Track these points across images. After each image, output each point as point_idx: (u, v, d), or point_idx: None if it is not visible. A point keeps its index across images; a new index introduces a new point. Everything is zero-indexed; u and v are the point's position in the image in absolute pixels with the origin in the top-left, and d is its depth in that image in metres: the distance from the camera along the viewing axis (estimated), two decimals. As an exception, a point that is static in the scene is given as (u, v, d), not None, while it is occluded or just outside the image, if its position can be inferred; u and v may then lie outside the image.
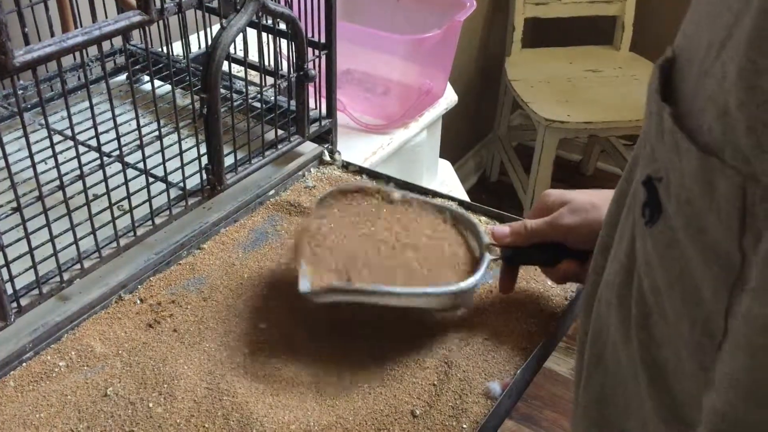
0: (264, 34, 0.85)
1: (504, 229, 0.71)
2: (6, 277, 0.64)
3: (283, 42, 0.87)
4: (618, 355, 0.41)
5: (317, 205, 0.74)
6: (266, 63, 0.88)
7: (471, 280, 0.66)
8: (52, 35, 0.85)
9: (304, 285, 0.65)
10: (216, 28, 0.76)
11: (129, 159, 0.73)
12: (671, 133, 0.33)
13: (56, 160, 0.65)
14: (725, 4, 0.32)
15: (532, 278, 0.76)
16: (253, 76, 0.99)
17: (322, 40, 0.87)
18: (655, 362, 0.37)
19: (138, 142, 0.72)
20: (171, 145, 0.76)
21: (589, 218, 0.67)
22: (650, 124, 0.37)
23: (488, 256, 0.69)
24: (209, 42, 0.75)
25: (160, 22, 0.71)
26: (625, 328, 0.40)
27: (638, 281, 0.38)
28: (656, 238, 0.36)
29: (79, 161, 0.67)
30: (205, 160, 0.79)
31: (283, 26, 0.83)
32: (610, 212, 0.45)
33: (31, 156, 0.62)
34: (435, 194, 0.86)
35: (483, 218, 0.84)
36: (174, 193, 0.79)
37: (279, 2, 0.81)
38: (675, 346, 0.36)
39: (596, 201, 0.67)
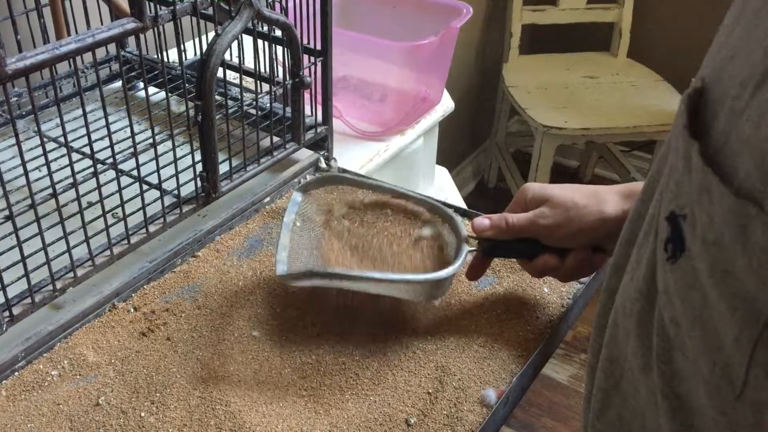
0: (259, 41, 0.85)
1: (484, 221, 0.70)
2: (-2, 285, 0.63)
3: (279, 49, 0.87)
4: (636, 384, 0.40)
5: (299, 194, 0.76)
6: (261, 70, 0.88)
7: (448, 270, 0.66)
8: (46, 42, 0.85)
9: (281, 268, 0.67)
10: (211, 35, 0.76)
11: (123, 166, 0.73)
12: (701, 172, 0.32)
13: (49, 168, 0.64)
14: (758, 41, 0.31)
15: (528, 285, 0.76)
16: (249, 82, 0.98)
17: (318, 47, 0.86)
18: (677, 395, 0.36)
19: (132, 149, 0.71)
20: (166, 152, 0.76)
21: (569, 217, 0.66)
22: (676, 159, 0.35)
23: (466, 248, 0.69)
24: (204, 49, 0.74)
25: (155, 28, 0.70)
26: (645, 358, 0.39)
27: (659, 312, 0.37)
28: (677, 275, 0.35)
29: (73, 169, 0.66)
30: (199, 167, 0.79)
31: (278, 33, 0.83)
32: (625, 233, 0.44)
33: (23, 163, 0.62)
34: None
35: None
36: (168, 200, 0.78)
37: (274, 9, 0.81)
38: (695, 382, 0.35)
39: (577, 199, 0.67)
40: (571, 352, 1.95)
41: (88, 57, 0.82)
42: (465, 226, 0.72)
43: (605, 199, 0.66)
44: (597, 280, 0.78)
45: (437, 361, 0.67)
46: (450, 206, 0.85)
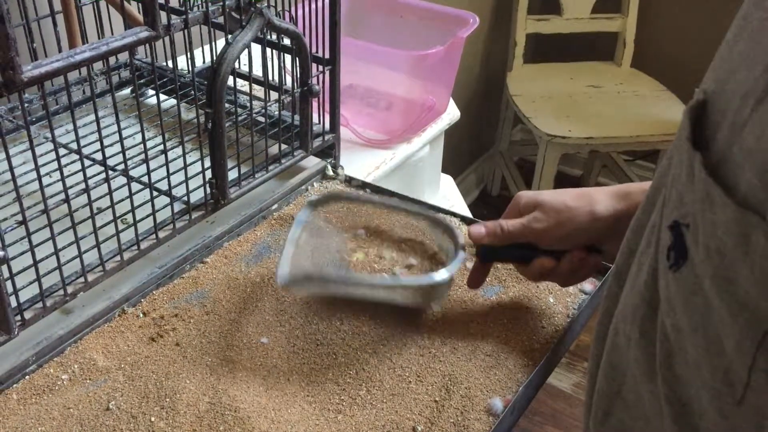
0: (269, 50, 0.86)
1: (480, 229, 0.72)
2: (10, 290, 0.64)
3: (288, 57, 0.87)
4: (639, 390, 0.41)
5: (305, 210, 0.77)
6: (271, 78, 0.89)
7: (444, 275, 0.67)
8: (60, 50, 0.85)
9: (282, 276, 0.67)
10: (221, 43, 0.76)
11: (134, 173, 0.73)
12: (704, 183, 0.33)
13: (61, 174, 0.65)
14: (759, 56, 0.31)
15: (534, 295, 0.76)
16: (258, 90, 0.99)
17: (326, 56, 0.87)
18: (680, 400, 0.37)
19: (143, 155, 0.72)
20: (175, 159, 0.76)
21: (561, 220, 0.68)
22: (680, 170, 0.36)
23: (462, 254, 0.70)
24: (214, 57, 0.75)
25: (166, 37, 0.71)
26: (648, 363, 0.39)
27: (661, 319, 0.38)
28: (680, 283, 0.35)
29: (84, 175, 0.67)
30: (209, 174, 0.79)
31: (287, 42, 0.84)
32: (627, 242, 0.45)
33: (36, 169, 0.62)
34: (436, 208, 0.87)
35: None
36: (178, 207, 0.79)
37: (284, 18, 0.82)
38: (697, 387, 0.35)
39: (568, 201, 0.68)
40: (575, 361, 1.95)
41: (98, 64, 0.83)
42: (462, 235, 0.73)
43: (596, 199, 0.68)
44: (602, 291, 0.78)
45: (444, 370, 0.68)
46: (453, 214, 0.87)
